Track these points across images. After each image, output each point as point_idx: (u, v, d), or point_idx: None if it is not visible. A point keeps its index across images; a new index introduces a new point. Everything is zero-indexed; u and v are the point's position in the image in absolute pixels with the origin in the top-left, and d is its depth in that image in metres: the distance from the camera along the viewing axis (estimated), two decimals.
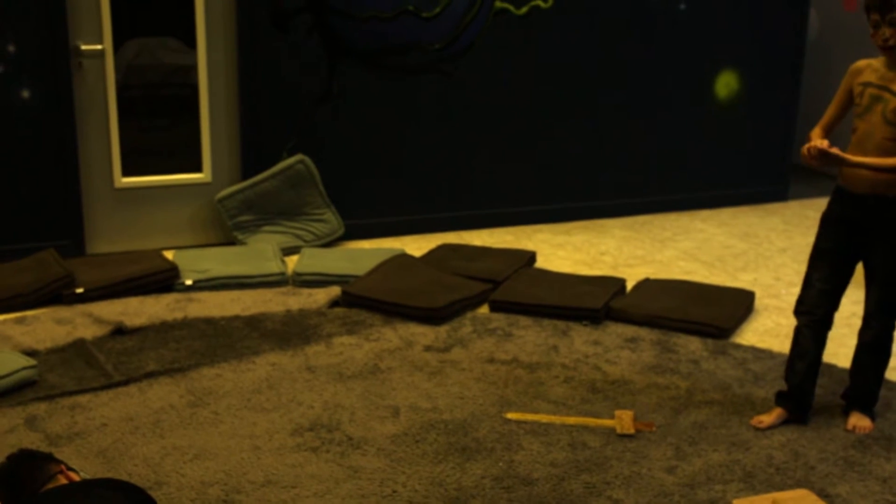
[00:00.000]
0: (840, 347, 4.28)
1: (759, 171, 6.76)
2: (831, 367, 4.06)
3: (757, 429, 3.53)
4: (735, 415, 3.65)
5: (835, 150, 3.27)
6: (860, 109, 3.37)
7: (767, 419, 3.56)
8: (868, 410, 3.60)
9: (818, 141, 3.30)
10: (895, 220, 3.35)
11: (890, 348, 3.56)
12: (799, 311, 3.58)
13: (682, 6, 6.23)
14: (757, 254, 5.71)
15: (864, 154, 3.31)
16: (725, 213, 6.54)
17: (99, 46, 5.15)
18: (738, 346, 4.30)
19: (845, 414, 3.63)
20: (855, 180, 3.37)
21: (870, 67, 3.40)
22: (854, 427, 3.54)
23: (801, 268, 5.42)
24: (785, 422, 3.57)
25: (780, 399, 3.62)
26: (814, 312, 3.53)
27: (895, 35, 3.24)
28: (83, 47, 5.12)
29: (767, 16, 6.46)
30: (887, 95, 3.30)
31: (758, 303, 4.84)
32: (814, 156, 3.28)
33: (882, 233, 3.38)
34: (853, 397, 3.63)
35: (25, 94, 5.02)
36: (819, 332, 3.55)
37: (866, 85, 3.37)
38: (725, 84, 6.51)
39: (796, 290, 5.01)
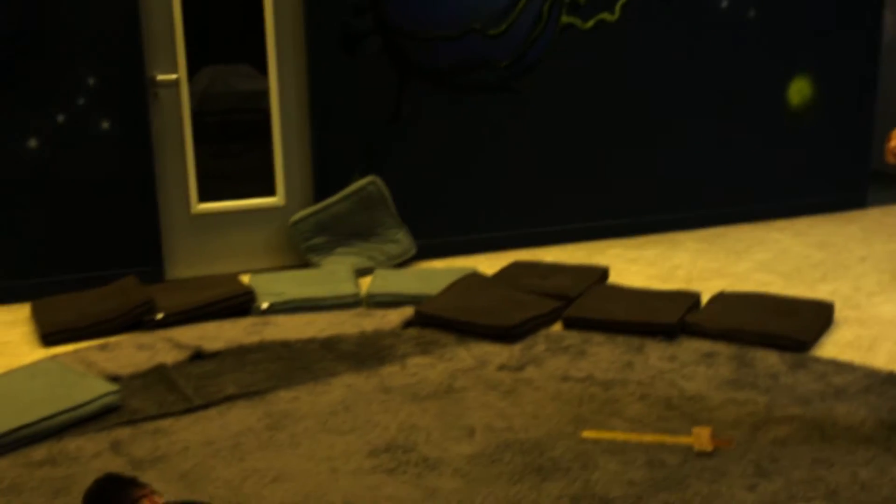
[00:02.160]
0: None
1: (835, 178, 6.63)
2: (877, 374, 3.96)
3: None
4: (816, 430, 3.58)
5: None
6: None
7: None
8: None
9: None
10: None
11: None
12: None
13: (752, 13, 6.16)
14: (836, 263, 5.59)
15: None
16: (802, 223, 6.42)
17: (174, 76, 5.28)
18: (818, 360, 4.22)
19: None
20: None
21: None
22: None
23: (882, 277, 5.31)
24: None
25: None
26: None
27: None
28: (159, 77, 5.25)
29: (840, 19, 6.35)
30: None
31: (837, 314, 4.74)
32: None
33: None
34: None
35: (105, 124, 5.16)
36: None
37: None
38: (798, 91, 6.41)
39: (878, 300, 4.93)
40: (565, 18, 5.82)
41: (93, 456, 3.49)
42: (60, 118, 5.07)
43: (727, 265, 5.61)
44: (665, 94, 6.09)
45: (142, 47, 5.15)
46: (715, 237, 6.16)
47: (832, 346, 4.38)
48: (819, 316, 4.60)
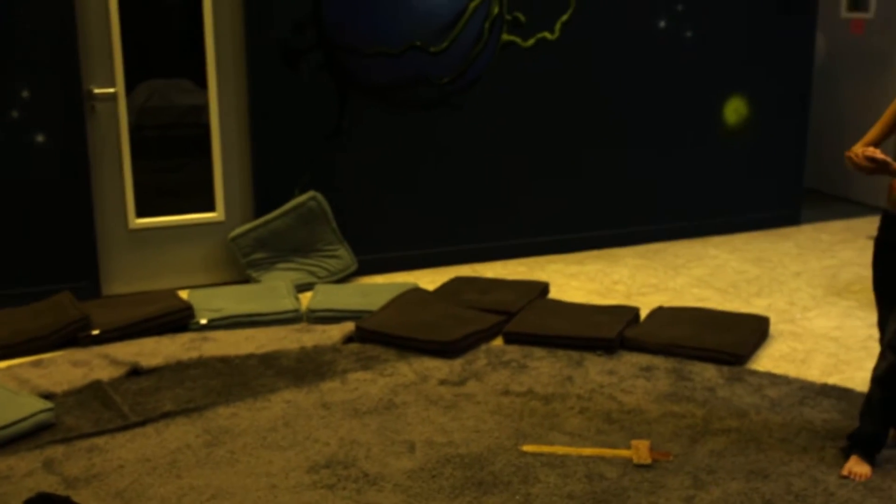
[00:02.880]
0: (857, 371, 4.26)
1: (770, 195, 6.76)
2: (849, 392, 4.03)
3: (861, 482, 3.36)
4: (752, 442, 3.63)
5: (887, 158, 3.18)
6: None
7: (864, 470, 3.37)
8: (870, 457, 3.41)
9: (867, 148, 3.20)
10: None
11: None
12: (892, 345, 3.33)
13: (689, 34, 6.26)
14: (771, 279, 5.69)
15: None
16: (738, 239, 6.53)
17: (111, 90, 5.21)
18: (754, 373, 4.29)
19: (845, 455, 3.45)
20: None
21: None
22: (850, 472, 3.36)
23: (816, 292, 5.41)
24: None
25: (858, 443, 3.44)
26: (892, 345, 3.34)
27: None
28: (96, 91, 5.18)
29: (774, 41, 6.49)
30: None
31: (773, 328, 4.83)
32: (861, 165, 3.20)
33: None
34: (857, 440, 3.44)
35: (40, 138, 5.07)
36: None
37: None
38: (734, 110, 6.53)
39: (812, 315, 5.02)
40: (506, 37, 5.87)
41: (25, 475, 3.41)
42: None
43: (665, 280, 5.68)
44: (603, 112, 6.16)
45: (78, 60, 5.08)
46: (654, 253, 6.24)
47: (768, 360, 4.45)
48: (755, 330, 4.67)
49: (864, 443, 3.43)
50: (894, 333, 3.32)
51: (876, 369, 3.40)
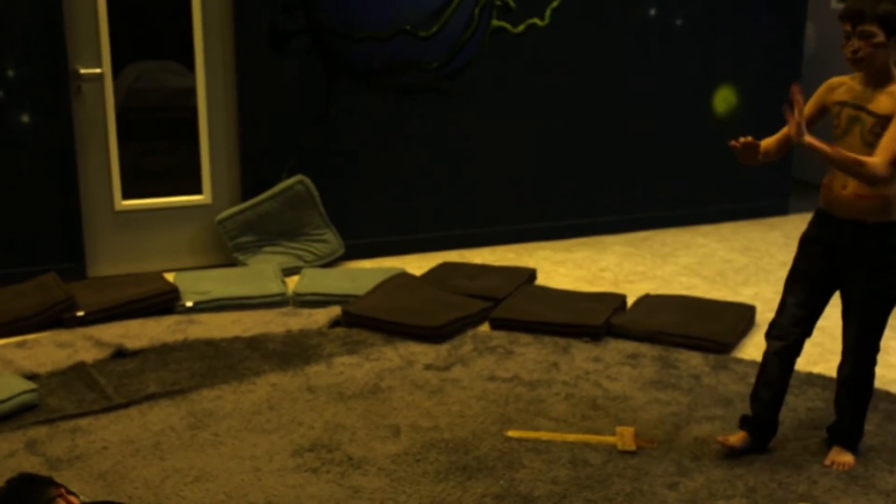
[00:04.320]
0: None
1: (759, 185, 6.76)
2: (833, 382, 4.04)
3: (720, 441, 3.44)
4: (737, 430, 3.63)
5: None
6: (839, 131, 3.24)
7: (732, 438, 3.45)
8: (851, 447, 3.44)
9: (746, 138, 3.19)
10: (873, 247, 3.22)
11: (870, 384, 3.39)
12: (771, 335, 3.41)
13: (679, 21, 6.25)
14: (758, 268, 5.70)
15: (845, 178, 3.19)
16: (726, 228, 6.54)
17: (98, 70, 5.17)
18: (740, 361, 4.29)
19: (828, 446, 3.47)
20: (835, 204, 3.26)
21: (845, 86, 3.26)
22: (833, 462, 3.38)
23: None
24: (747, 449, 3.44)
25: (745, 423, 3.49)
26: (786, 338, 3.37)
27: (864, 48, 3.10)
28: (82, 71, 5.14)
29: (764, 30, 6.48)
30: (864, 115, 3.15)
31: (759, 317, 4.83)
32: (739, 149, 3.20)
33: (860, 260, 3.24)
34: (836, 433, 3.46)
35: (25, 118, 5.04)
36: (788, 360, 3.41)
37: (843, 105, 3.22)
38: (724, 99, 6.53)
39: None
40: (496, 22, 5.85)
41: (7, 455, 3.40)
42: None
43: (653, 268, 5.68)
44: (592, 100, 6.14)
45: (65, 40, 5.03)
46: (641, 241, 6.24)
47: (753, 348, 4.46)
48: (741, 319, 4.68)
49: (842, 435, 3.45)
50: (855, 338, 3.33)
51: (840, 371, 3.42)
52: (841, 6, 7.67)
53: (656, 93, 6.30)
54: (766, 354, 3.45)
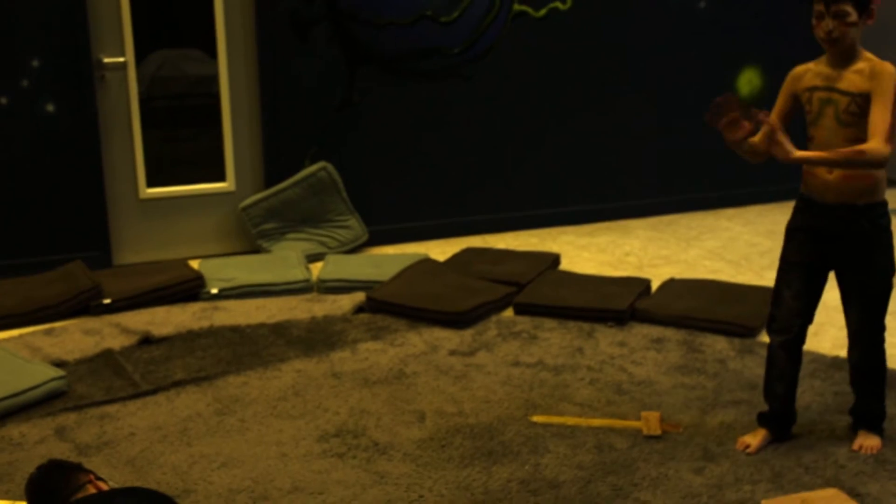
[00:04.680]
0: None
1: (784, 168, 6.66)
2: None
3: (746, 453, 3.34)
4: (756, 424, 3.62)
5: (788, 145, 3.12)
6: (812, 116, 3.21)
7: (754, 442, 3.37)
8: (876, 429, 3.40)
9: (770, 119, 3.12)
10: (865, 229, 3.18)
11: (884, 364, 3.36)
12: (772, 329, 3.37)
13: (703, 4, 6.20)
14: None
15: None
16: (751, 212, 6.49)
17: (121, 59, 5.20)
18: (765, 345, 4.25)
19: (853, 431, 3.43)
20: (822, 189, 3.21)
21: (811, 72, 3.24)
22: (861, 447, 3.34)
23: None
24: (770, 442, 3.39)
25: (763, 420, 3.43)
26: (789, 330, 3.34)
27: (839, 27, 3.08)
28: (105, 60, 5.17)
29: (789, 11, 6.42)
30: (836, 96, 3.12)
31: None
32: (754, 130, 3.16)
33: (854, 244, 3.20)
34: (858, 415, 3.43)
35: (50, 107, 5.07)
36: (795, 351, 3.38)
37: (812, 90, 3.19)
38: (748, 81, 6.48)
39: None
40: (518, 7, 5.82)
41: (37, 442, 3.44)
42: (4, 100, 4.98)
43: (677, 252, 5.66)
44: (616, 83, 6.11)
45: (88, 29, 5.06)
46: (665, 225, 6.21)
47: None
48: (766, 302, 4.60)
49: (866, 418, 3.42)
50: (858, 323, 3.29)
51: (850, 357, 3.39)
52: None
53: (680, 75, 6.26)
54: (770, 348, 3.42)
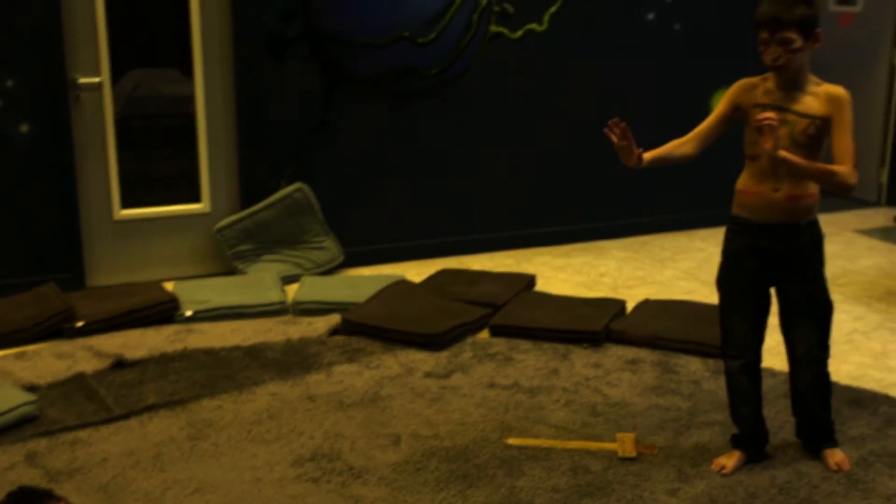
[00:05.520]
0: (842, 364, 4.27)
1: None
2: (833, 385, 4.03)
3: (721, 475, 3.34)
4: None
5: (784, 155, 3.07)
6: (755, 135, 3.16)
7: (729, 463, 3.37)
8: (833, 442, 3.44)
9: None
10: (807, 248, 3.23)
11: (829, 379, 3.41)
12: (729, 355, 3.38)
13: (677, 26, 6.25)
14: None
15: (777, 181, 3.17)
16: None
17: (97, 79, 5.18)
18: None
19: (811, 452, 3.45)
20: (765, 209, 3.21)
21: (760, 88, 3.24)
22: (837, 465, 3.36)
23: None
24: (745, 463, 3.40)
25: (737, 442, 3.45)
26: (745, 354, 3.35)
27: (784, 54, 3.10)
28: (81, 80, 5.15)
29: None
30: (791, 117, 3.12)
31: None
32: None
33: (797, 263, 3.23)
34: (816, 437, 3.45)
35: (24, 128, 5.04)
36: (754, 372, 3.39)
37: (763, 107, 3.15)
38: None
39: None
40: (494, 28, 5.85)
41: (7, 468, 3.39)
42: None
43: (652, 273, 5.68)
44: (591, 104, 6.14)
45: (63, 49, 5.04)
46: (640, 246, 6.24)
47: None
48: None
49: (821, 434, 3.46)
50: (812, 343, 3.30)
51: (796, 380, 3.41)
52: (839, 10, 7.67)
53: (655, 97, 6.30)
54: (729, 373, 3.42)
